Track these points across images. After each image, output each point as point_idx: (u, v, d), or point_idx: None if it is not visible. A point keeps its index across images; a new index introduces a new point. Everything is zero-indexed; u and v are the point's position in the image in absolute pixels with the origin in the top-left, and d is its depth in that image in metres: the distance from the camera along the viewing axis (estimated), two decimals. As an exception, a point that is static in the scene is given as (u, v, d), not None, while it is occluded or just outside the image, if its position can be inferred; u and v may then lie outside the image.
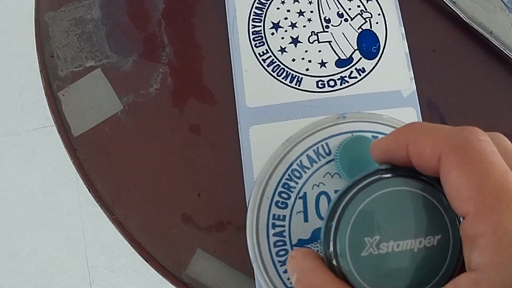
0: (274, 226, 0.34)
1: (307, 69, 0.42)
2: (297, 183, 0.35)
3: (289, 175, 0.35)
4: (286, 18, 0.44)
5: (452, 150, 0.21)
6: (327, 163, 0.35)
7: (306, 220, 0.34)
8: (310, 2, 0.44)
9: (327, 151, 0.35)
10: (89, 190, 0.42)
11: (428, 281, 0.23)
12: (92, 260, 1.24)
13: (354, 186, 0.24)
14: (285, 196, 0.35)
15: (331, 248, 0.24)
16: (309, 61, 0.42)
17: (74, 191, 1.26)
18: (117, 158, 0.43)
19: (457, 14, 0.44)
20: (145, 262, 0.41)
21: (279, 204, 0.34)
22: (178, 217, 0.41)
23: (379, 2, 0.44)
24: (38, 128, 1.33)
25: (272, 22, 0.43)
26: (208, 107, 0.43)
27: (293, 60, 0.42)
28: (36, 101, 1.34)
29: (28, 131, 1.34)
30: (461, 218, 0.22)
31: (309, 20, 0.43)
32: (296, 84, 0.42)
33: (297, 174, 0.35)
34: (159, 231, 0.41)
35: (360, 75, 0.42)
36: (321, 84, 0.42)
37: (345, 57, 0.43)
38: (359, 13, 0.44)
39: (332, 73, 0.42)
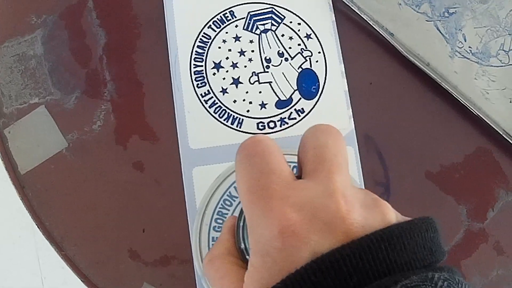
0: None
1: (248, 111, 0.49)
2: (228, 210, 0.44)
3: (221, 204, 0.44)
4: (227, 58, 0.50)
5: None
6: None
7: None
8: (251, 41, 0.50)
9: None
10: (38, 227, 0.49)
11: None
12: (43, 257, 1.32)
13: None
14: (220, 221, 0.44)
15: (241, 241, 0.33)
16: (250, 103, 0.49)
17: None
18: (64, 195, 0.49)
19: (394, 46, 0.51)
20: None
21: (216, 228, 0.44)
22: (124, 252, 0.48)
23: (320, 40, 0.50)
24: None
25: (213, 61, 0.50)
26: (150, 144, 0.49)
27: (234, 101, 0.49)
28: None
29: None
30: None
31: (250, 60, 0.50)
32: (237, 126, 0.48)
33: (228, 203, 0.44)
34: (107, 267, 0.48)
35: (299, 115, 0.49)
36: (261, 125, 0.49)
37: (285, 98, 0.49)
38: (299, 52, 0.50)
39: (272, 115, 0.49)
